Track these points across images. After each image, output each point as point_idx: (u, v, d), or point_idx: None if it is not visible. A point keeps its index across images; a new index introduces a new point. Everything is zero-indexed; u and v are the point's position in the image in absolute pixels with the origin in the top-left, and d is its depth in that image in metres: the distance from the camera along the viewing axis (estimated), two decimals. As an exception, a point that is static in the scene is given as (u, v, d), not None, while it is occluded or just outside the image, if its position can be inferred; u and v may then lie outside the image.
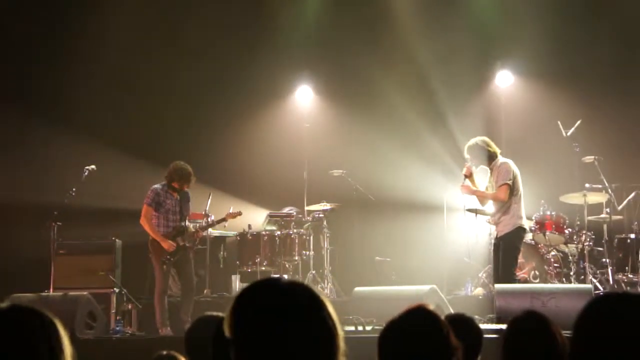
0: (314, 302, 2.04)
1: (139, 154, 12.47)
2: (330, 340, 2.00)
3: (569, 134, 10.86)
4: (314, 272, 11.70)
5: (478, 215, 10.95)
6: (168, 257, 10.08)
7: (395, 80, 12.80)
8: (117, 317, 10.35)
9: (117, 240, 11.18)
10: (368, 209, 12.29)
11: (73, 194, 10.84)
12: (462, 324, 3.40)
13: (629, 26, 12.22)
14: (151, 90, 12.91)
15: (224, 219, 10.73)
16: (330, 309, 2.07)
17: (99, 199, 12.01)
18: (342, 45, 13.25)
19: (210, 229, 11.14)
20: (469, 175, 9.65)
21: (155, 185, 10.31)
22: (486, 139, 9.71)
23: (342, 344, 2.06)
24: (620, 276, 10.66)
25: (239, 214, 10.92)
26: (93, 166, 10.98)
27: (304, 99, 14.04)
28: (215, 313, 3.88)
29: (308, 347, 1.97)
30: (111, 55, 12.65)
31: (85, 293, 10.00)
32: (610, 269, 10.64)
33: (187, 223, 10.40)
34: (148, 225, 10.14)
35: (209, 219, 11.16)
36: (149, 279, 11.05)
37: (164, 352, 4.10)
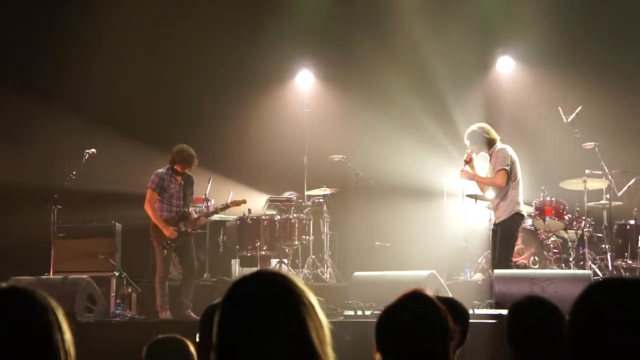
0: (290, 295, 2.07)
1: (139, 137, 12.48)
2: (304, 334, 2.03)
3: (569, 119, 10.85)
4: (313, 256, 11.72)
5: (478, 201, 10.96)
6: (169, 242, 10.09)
7: (397, 66, 12.79)
8: (117, 301, 10.37)
9: (117, 223, 11.18)
10: (368, 194, 12.30)
11: (73, 177, 10.85)
12: (450, 306, 3.42)
13: (628, 11, 12.19)
14: (152, 74, 12.89)
15: (227, 206, 10.73)
16: (312, 299, 2.10)
17: (99, 182, 12.03)
18: (343, 30, 13.24)
19: (210, 213, 11.14)
20: (469, 161, 9.69)
21: (159, 170, 10.29)
22: (485, 125, 9.75)
23: (326, 334, 2.08)
24: (619, 262, 10.68)
25: (243, 202, 10.91)
26: (93, 149, 10.98)
27: (304, 83, 14.02)
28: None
29: (283, 342, 2.00)
30: (113, 38, 12.62)
31: (85, 276, 10.01)
32: (610, 255, 10.66)
33: (190, 208, 10.40)
34: (151, 210, 10.14)
35: (209, 204, 11.17)
36: (150, 262, 11.09)
37: (163, 336, 4.12)
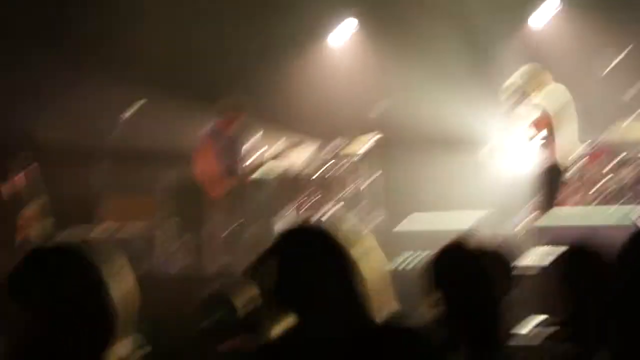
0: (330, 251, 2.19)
1: (182, 94, 12.47)
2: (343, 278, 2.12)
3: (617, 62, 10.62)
4: (365, 201, 11.70)
5: (528, 146, 10.83)
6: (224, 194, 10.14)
7: (435, 16, 12.61)
8: (170, 254, 10.50)
9: (168, 178, 11.25)
10: (416, 140, 12.28)
11: (119, 133, 10.92)
12: (498, 256, 3.43)
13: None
14: (184, 29, 12.86)
15: (279, 155, 10.74)
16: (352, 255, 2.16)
17: (146, 139, 12.07)
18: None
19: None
20: (519, 105, 9.55)
21: (209, 125, 10.34)
22: (538, 65, 9.58)
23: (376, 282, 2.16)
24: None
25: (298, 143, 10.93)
26: (138, 104, 11.02)
27: (346, 33, 13.89)
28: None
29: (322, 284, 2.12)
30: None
31: (137, 230, 10.16)
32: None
33: (241, 161, 10.44)
34: (202, 165, 10.19)
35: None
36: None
37: (216, 291, 4.17)
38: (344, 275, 2.14)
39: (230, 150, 10.27)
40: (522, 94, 9.48)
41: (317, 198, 11.62)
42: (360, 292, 2.15)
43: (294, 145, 10.98)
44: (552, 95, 9.36)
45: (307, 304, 2.14)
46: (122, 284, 2.32)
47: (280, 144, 11.41)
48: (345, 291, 2.14)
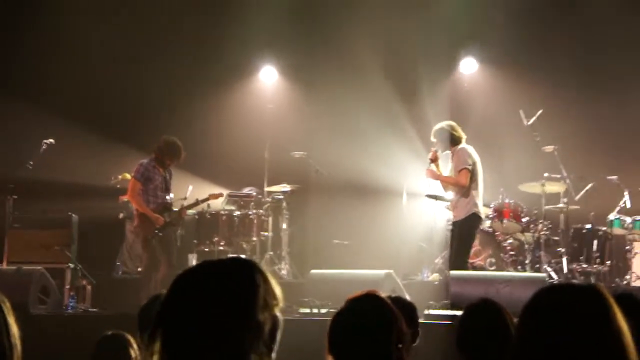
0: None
1: (97, 129, 12.33)
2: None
3: (530, 123, 10.95)
4: (271, 253, 11.68)
5: (438, 201, 10.98)
6: (156, 231, 9.99)
7: (360, 64, 12.76)
8: (71, 293, 10.24)
9: (73, 215, 11.03)
10: (328, 191, 12.28)
11: (30, 167, 10.71)
12: (402, 307, 3.42)
13: (591, 22, 12.30)
14: (112, 64, 12.76)
15: (207, 199, 10.89)
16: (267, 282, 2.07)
17: (56, 173, 11.85)
18: (309, 26, 13.18)
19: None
20: (434, 160, 9.67)
21: (144, 160, 10.23)
22: (453, 123, 9.75)
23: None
24: (574, 266, 10.78)
25: (221, 195, 11.15)
26: (51, 140, 10.87)
27: (268, 79, 13.97)
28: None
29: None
30: (70, 26, 12.46)
31: (39, 267, 9.87)
32: (565, 259, 10.75)
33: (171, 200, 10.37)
34: (136, 200, 10.06)
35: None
36: (116, 255, 10.96)
37: (111, 332, 4.08)
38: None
39: (165, 186, 10.21)
40: (443, 146, 9.59)
41: (225, 243, 11.55)
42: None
43: (217, 195, 11.08)
44: (472, 152, 9.52)
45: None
46: (12, 327, 2.24)
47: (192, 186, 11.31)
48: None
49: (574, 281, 10.08)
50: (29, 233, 10.83)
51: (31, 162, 10.74)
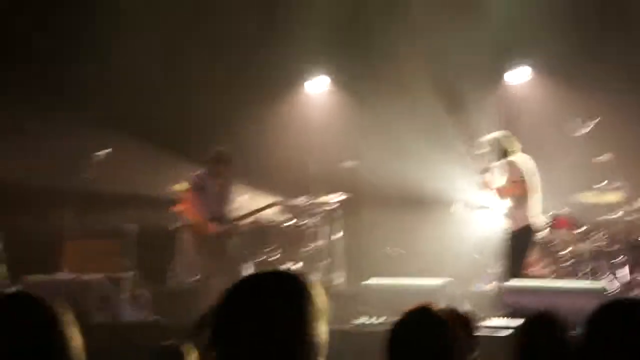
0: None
1: (152, 140, 12.46)
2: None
3: (586, 131, 10.81)
4: (326, 261, 11.67)
5: (491, 211, 10.91)
6: (210, 241, 10.11)
7: (412, 73, 12.72)
8: (131, 302, 10.36)
9: (131, 224, 11.17)
10: (380, 201, 12.27)
11: (87, 178, 10.87)
12: (460, 319, 3.41)
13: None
14: (166, 76, 12.91)
15: (261, 209, 10.97)
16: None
17: (113, 184, 12.02)
18: (359, 35, 13.20)
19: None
20: (488, 170, 9.62)
21: (198, 171, 10.39)
22: (507, 133, 9.70)
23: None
24: (634, 276, 10.60)
25: (275, 204, 11.29)
26: (108, 149, 11.02)
27: (319, 89, 14.01)
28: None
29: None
30: (125, 40, 12.63)
31: (98, 276, 10.01)
32: (624, 268, 10.58)
33: (228, 209, 10.45)
34: (190, 210, 10.20)
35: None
36: (171, 264, 11.08)
37: (168, 342, 4.11)
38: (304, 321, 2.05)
39: (220, 198, 10.34)
40: (497, 155, 9.54)
41: (279, 253, 11.58)
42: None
43: (274, 204, 11.17)
44: (527, 161, 9.46)
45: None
46: (74, 337, 2.25)
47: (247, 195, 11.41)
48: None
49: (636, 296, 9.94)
50: (88, 243, 11.03)
51: (88, 174, 10.90)
